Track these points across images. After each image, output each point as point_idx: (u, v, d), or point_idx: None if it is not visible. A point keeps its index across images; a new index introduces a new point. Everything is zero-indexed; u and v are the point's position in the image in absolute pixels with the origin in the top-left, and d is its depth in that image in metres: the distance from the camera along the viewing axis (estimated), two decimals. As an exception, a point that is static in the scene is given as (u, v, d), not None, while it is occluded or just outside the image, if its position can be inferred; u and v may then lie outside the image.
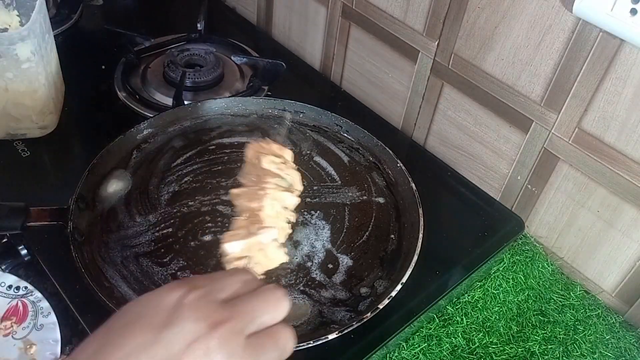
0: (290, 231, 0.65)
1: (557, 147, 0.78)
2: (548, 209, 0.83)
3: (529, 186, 0.84)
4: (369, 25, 0.95)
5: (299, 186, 0.67)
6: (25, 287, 0.69)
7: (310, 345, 0.59)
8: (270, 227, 0.60)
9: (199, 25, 1.11)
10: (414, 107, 0.95)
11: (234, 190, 0.64)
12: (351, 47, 1.02)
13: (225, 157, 0.82)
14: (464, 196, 0.88)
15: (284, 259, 0.62)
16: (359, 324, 0.60)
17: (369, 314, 0.60)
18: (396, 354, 0.70)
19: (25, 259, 0.72)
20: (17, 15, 0.85)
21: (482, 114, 0.85)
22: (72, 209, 0.68)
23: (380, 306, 0.61)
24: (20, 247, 0.72)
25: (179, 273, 0.66)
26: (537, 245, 0.85)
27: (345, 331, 0.59)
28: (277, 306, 0.44)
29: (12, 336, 0.65)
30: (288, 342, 0.44)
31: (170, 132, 0.85)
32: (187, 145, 0.83)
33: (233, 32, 1.18)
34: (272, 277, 0.66)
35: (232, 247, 0.59)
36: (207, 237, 0.69)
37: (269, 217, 0.61)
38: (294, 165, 0.68)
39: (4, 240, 0.73)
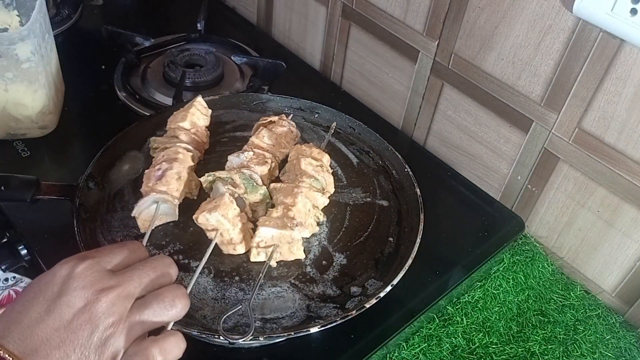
0: (317, 229, 0.70)
1: (557, 147, 0.78)
2: (548, 209, 0.83)
3: (529, 186, 0.84)
4: (369, 25, 0.95)
5: (330, 189, 0.74)
6: (14, 277, 0.71)
7: (290, 336, 0.60)
8: (305, 227, 0.66)
9: (199, 25, 1.11)
10: (414, 107, 0.95)
11: (273, 184, 0.71)
12: (351, 47, 1.02)
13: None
14: (464, 196, 0.88)
15: (302, 256, 0.67)
16: (343, 320, 0.60)
17: (354, 311, 0.60)
18: (396, 354, 0.70)
19: (26, 258, 0.72)
20: (17, 15, 0.85)
21: (482, 114, 0.85)
22: (81, 187, 0.69)
23: (367, 305, 0.61)
24: (20, 247, 0.72)
25: (174, 256, 0.66)
26: (537, 245, 0.85)
27: (328, 326, 0.59)
28: (165, 272, 0.48)
29: None
30: (175, 299, 0.46)
31: None
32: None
33: (233, 32, 1.18)
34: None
35: (267, 232, 0.64)
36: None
37: (300, 212, 0.67)
38: (330, 169, 0.75)
39: (4, 240, 0.73)
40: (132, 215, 0.67)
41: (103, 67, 1.01)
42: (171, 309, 0.46)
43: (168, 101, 0.94)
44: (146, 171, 0.70)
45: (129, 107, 0.93)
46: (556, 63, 0.73)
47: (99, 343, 0.42)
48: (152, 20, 1.21)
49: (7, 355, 0.40)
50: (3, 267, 0.72)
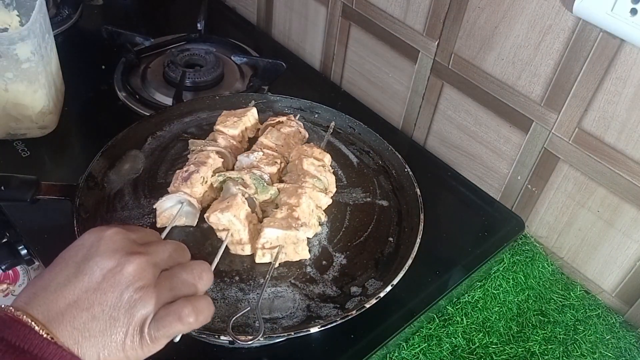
0: (319, 229, 0.71)
1: (557, 147, 0.78)
2: (548, 209, 0.83)
3: (529, 186, 0.84)
4: (369, 25, 0.95)
5: (332, 188, 0.75)
6: None
7: (290, 336, 0.59)
8: (309, 227, 0.67)
9: (199, 25, 1.11)
10: (414, 107, 0.95)
11: (277, 185, 0.71)
12: (351, 47, 1.02)
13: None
14: (464, 196, 0.88)
15: (306, 256, 0.68)
16: (343, 320, 0.60)
17: (354, 311, 0.60)
18: (396, 354, 0.70)
19: (26, 258, 0.72)
20: (17, 15, 0.85)
21: (482, 114, 0.85)
22: (81, 187, 0.70)
23: (367, 305, 0.61)
24: (20, 247, 0.72)
25: None
26: (537, 245, 0.85)
27: (328, 326, 0.59)
28: (182, 252, 0.48)
29: (12, 294, 0.73)
30: (202, 272, 0.47)
31: (186, 122, 0.86)
32: (200, 135, 0.83)
33: (233, 32, 1.18)
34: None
35: (272, 233, 0.64)
36: (206, 225, 0.70)
37: (304, 213, 0.67)
38: (331, 169, 0.76)
39: (4, 240, 0.73)
40: (154, 207, 0.68)
41: (103, 67, 1.01)
42: (199, 280, 0.46)
43: (168, 101, 0.94)
44: (177, 171, 0.70)
45: (129, 107, 0.93)
46: (556, 63, 0.73)
47: (128, 305, 0.42)
48: (152, 20, 1.21)
49: (29, 321, 0.39)
50: (3, 267, 0.72)
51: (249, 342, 0.57)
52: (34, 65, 0.78)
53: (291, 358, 0.65)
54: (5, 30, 0.84)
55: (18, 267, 0.75)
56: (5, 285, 0.74)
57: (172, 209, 0.68)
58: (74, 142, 0.90)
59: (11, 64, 0.76)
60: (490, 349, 0.72)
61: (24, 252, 0.72)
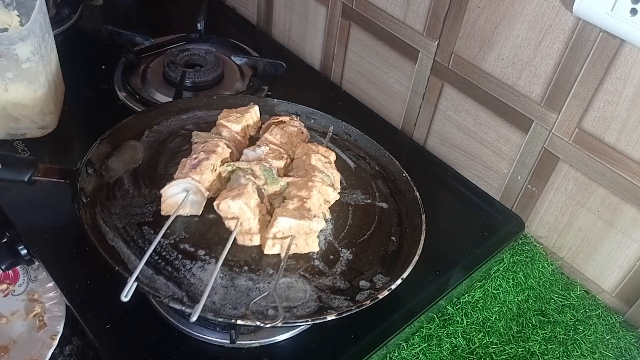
0: (324, 225, 0.70)
1: (557, 147, 0.78)
2: (548, 209, 0.83)
3: (529, 186, 0.84)
4: (369, 25, 0.95)
5: (338, 185, 0.75)
6: None
7: (308, 323, 0.60)
8: (321, 218, 0.67)
9: (199, 25, 1.11)
10: (414, 107, 0.95)
11: (286, 178, 0.72)
12: (351, 47, 1.02)
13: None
14: (464, 196, 0.88)
15: (316, 248, 0.68)
16: (358, 309, 0.60)
17: (368, 301, 0.60)
18: (396, 354, 0.70)
19: (25, 258, 0.72)
20: (17, 15, 0.85)
21: (482, 114, 0.85)
22: (80, 171, 0.69)
23: (380, 296, 0.61)
24: (20, 247, 0.72)
25: (180, 245, 0.66)
26: (537, 245, 0.85)
27: (345, 314, 0.59)
28: None
29: (12, 294, 0.73)
30: None
31: (183, 119, 0.85)
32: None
33: (233, 32, 1.18)
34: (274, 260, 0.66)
35: (285, 222, 0.64)
36: (211, 216, 0.69)
37: (314, 205, 0.67)
38: (335, 167, 0.76)
39: (4, 240, 0.73)
40: (160, 192, 0.67)
41: (103, 67, 1.01)
42: None
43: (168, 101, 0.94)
44: (182, 159, 0.70)
45: (129, 107, 0.93)
46: (556, 63, 0.73)
47: None
48: (152, 20, 1.21)
49: None
50: (3, 267, 0.72)
51: (269, 325, 0.56)
52: (34, 65, 0.78)
53: (291, 358, 0.65)
54: (5, 30, 0.84)
55: (18, 267, 0.75)
56: (5, 285, 0.74)
57: (177, 196, 0.67)
58: (74, 142, 0.90)
59: (11, 64, 0.76)
60: (490, 349, 0.72)
61: (24, 252, 0.72)
